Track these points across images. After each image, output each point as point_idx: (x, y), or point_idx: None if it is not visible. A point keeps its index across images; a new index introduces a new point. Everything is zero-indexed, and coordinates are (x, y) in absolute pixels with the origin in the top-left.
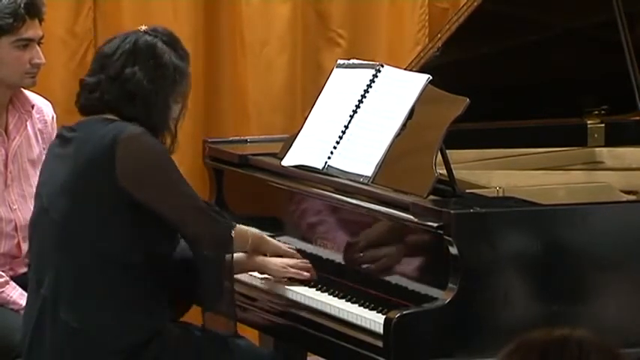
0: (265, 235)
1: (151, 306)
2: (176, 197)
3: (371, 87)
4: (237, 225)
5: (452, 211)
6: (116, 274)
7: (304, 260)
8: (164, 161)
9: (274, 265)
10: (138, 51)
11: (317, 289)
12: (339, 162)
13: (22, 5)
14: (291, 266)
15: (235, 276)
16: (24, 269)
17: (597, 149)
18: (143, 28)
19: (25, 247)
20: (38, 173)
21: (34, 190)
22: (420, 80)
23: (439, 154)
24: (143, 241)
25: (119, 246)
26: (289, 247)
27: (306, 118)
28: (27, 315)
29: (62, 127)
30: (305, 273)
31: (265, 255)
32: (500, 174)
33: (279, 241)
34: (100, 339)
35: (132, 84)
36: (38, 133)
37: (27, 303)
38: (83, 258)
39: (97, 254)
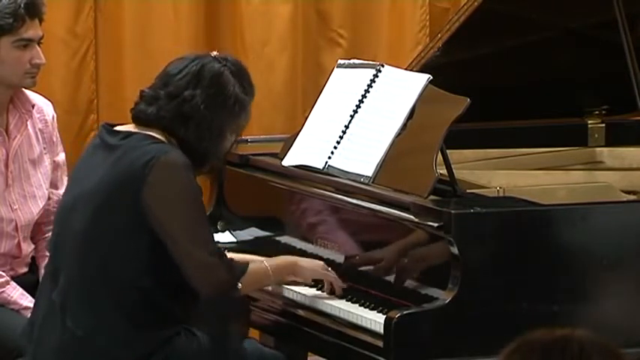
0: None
1: (159, 323)
2: (186, 244)
3: (371, 87)
4: (250, 265)
5: (452, 211)
6: (125, 293)
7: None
8: (192, 202)
9: (305, 269)
10: (203, 75)
11: (317, 289)
12: (339, 162)
13: (22, 5)
14: (324, 269)
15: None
16: (24, 269)
17: (598, 149)
18: (214, 53)
19: (25, 247)
20: (40, 172)
21: (35, 189)
22: (420, 80)
23: (439, 154)
24: (156, 267)
25: (131, 268)
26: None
27: (306, 118)
28: (35, 310)
29: (104, 128)
30: (339, 281)
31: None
32: (500, 174)
33: (279, 241)
34: (103, 350)
35: (189, 106)
36: (39, 132)
37: (39, 292)
38: (94, 273)
39: (108, 273)
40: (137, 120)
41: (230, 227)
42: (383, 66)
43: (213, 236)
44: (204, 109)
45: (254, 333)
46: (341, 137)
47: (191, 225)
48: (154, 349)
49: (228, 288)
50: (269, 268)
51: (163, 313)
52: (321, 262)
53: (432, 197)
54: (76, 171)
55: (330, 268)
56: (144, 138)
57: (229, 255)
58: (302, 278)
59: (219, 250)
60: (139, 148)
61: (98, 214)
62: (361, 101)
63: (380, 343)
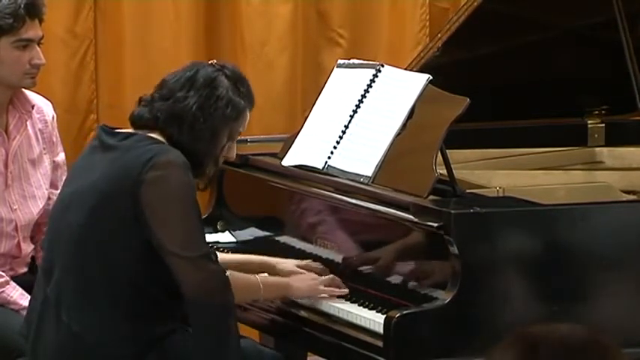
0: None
1: (154, 318)
2: (177, 244)
3: (371, 87)
4: (242, 276)
5: (452, 211)
6: (120, 289)
7: (325, 272)
8: (187, 202)
9: (300, 290)
10: (196, 78)
11: None
12: (339, 162)
13: (22, 6)
14: (315, 281)
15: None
16: (24, 269)
17: (597, 149)
18: (212, 61)
19: (25, 247)
20: (40, 172)
21: (35, 189)
22: (420, 80)
23: (439, 154)
24: (152, 264)
25: (127, 265)
26: (305, 265)
27: (306, 118)
28: (31, 305)
29: (103, 130)
30: (336, 290)
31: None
32: (500, 174)
33: (278, 241)
34: (99, 345)
35: (180, 106)
36: (38, 132)
37: (34, 292)
38: (89, 268)
39: (103, 268)
40: (134, 124)
41: (230, 227)
42: (383, 66)
43: (205, 239)
44: (196, 109)
45: (254, 333)
46: (341, 137)
47: (185, 225)
48: (149, 345)
49: (214, 292)
50: (260, 284)
51: (159, 309)
52: (314, 279)
53: (431, 197)
54: (73, 170)
55: (324, 279)
56: (144, 138)
57: (232, 255)
58: (296, 298)
59: (211, 254)
60: (138, 147)
61: (96, 210)
62: (361, 101)
63: (380, 343)
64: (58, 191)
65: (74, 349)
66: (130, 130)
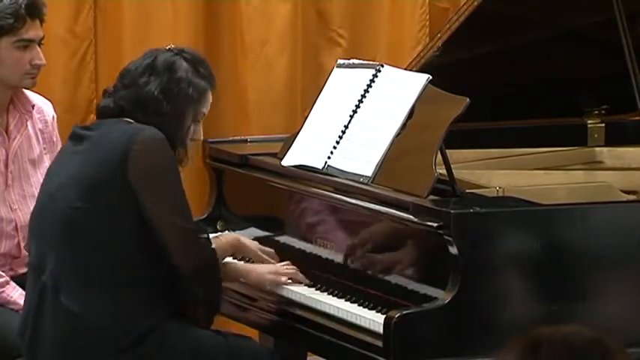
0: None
1: (152, 298)
2: (171, 215)
3: (371, 87)
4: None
5: (452, 211)
6: (118, 268)
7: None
8: (174, 175)
9: (257, 275)
10: (155, 64)
11: (317, 289)
12: (339, 162)
13: (23, 6)
14: (273, 272)
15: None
16: (24, 269)
17: (597, 149)
18: (170, 46)
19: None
20: (40, 172)
21: (35, 189)
22: (420, 80)
23: (439, 154)
24: (147, 241)
25: (123, 244)
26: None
27: (306, 118)
28: (26, 303)
29: (75, 127)
30: (284, 279)
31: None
32: (500, 174)
33: (278, 241)
34: (99, 326)
35: (143, 93)
36: (39, 132)
37: (26, 292)
38: (86, 250)
39: (100, 249)
40: (101, 115)
41: (230, 227)
42: (382, 66)
43: (190, 209)
44: (158, 94)
45: (254, 333)
46: (340, 137)
47: (175, 196)
48: (150, 327)
49: (209, 260)
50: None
51: (158, 291)
52: (268, 269)
53: (431, 197)
54: (50, 170)
55: (280, 267)
56: (118, 121)
57: None
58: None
59: (198, 223)
60: (116, 130)
61: (87, 194)
62: (361, 101)
63: (379, 343)
64: None
65: (74, 331)
66: (101, 120)
